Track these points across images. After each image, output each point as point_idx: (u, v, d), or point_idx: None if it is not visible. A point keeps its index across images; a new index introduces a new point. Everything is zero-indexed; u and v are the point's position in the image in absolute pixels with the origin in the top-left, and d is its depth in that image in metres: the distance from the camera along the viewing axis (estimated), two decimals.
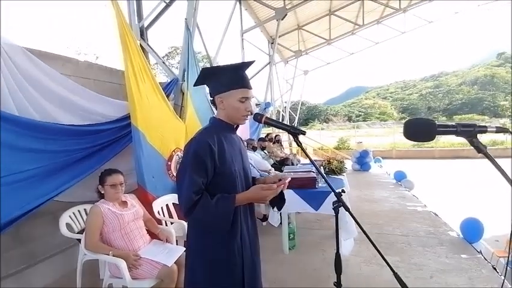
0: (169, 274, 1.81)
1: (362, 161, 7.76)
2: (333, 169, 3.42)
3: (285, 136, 12.46)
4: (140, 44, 3.78)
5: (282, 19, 7.65)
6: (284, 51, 12.15)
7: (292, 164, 4.92)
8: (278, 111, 12.76)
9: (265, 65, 8.74)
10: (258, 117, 1.21)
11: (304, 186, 2.78)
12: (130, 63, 2.48)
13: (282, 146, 6.56)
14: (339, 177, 3.33)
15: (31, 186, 2.01)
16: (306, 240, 3.19)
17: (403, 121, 0.77)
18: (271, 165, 4.73)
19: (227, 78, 1.16)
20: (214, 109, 1.27)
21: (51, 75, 2.22)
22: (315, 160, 5.10)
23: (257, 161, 4.24)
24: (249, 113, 1.20)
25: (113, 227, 1.90)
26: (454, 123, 0.73)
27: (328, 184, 1.16)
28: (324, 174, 1.27)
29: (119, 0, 2.49)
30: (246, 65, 1.22)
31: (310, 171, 3.12)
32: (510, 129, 0.71)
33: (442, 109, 43.95)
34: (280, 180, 1.19)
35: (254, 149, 4.55)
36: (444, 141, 14.81)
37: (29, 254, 2.38)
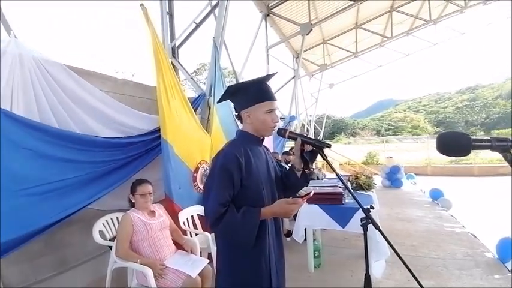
0: (194, 285, 1.83)
1: (393, 177, 7.37)
2: (360, 185, 3.29)
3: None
4: (172, 62, 4.02)
5: (307, 34, 7.73)
6: (309, 65, 12.20)
7: (318, 179, 4.82)
8: (303, 125, 12.68)
9: (290, 79, 8.81)
10: (281, 132, 1.22)
11: (330, 201, 2.70)
12: (162, 80, 2.64)
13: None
14: (367, 193, 3.19)
15: (67, 195, 2.13)
16: (332, 259, 3.05)
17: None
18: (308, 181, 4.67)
19: (253, 93, 1.19)
20: (239, 123, 1.30)
21: (91, 92, 2.41)
22: (342, 175, 4.94)
23: None
24: (276, 124, 1.22)
25: (141, 235, 1.97)
26: (489, 137, 0.69)
27: (356, 199, 1.12)
28: (351, 189, 1.23)
29: (153, 22, 2.70)
30: (269, 77, 1.25)
31: (337, 186, 3.03)
32: None
33: (480, 123, 40.94)
34: (305, 195, 1.18)
35: (278, 162, 4.53)
36: (483, 157, 13.68)
37: (60, 261, 2.49)
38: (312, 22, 8.04)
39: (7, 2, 2.25)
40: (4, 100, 1.69)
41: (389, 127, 46.92)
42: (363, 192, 3.20)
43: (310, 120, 12.96)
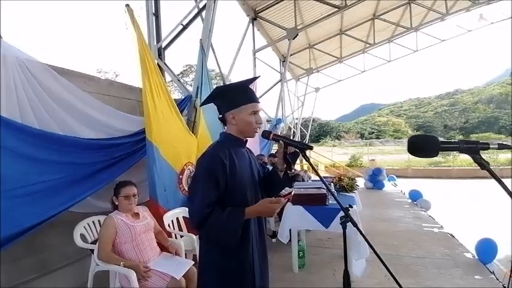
0: (178, 286, 1.82)
1: (375, 179, 7.60)
2: (344, 186, 3.38)
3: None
4: (158, 63, 3.99)
5: (293, 39, 7.86)
6: (295, 69, 12.39)
7: (303, 180, 4.89)
8: (290, 128, 12.82)
9: (276, 83, 8.91)
10: (266, 134, 1.25)
11: (314, 202, 2.76)
12: (148, 81, 2.62)
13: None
14: (350, 194, 3.29)
15: (48, 196, 2.08)
16: (316, 259, 3.11)
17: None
18: (291, 181, 4.73)
19: (237, 95, 1.22)
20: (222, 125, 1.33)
21: (73, 92, 2.36)
22: (326, 177, 5.05)
23: None
24: (260, 125, 1.26)
25: (125, 238, 1.94)
26: (457, 140, 0.75)
27: (335, 198, 1.18)
28: (332, 189, 1.29)
29: (139, 23, 2.68)
30: (252, 80, 1.29)
31: (321, 187, 3.10)
32: None
33: (459, 127, 42.86)
34: (286, 194, 1.22)
35: (264, 164, 4.57)
36: (462, 159, 14.35)
37: (41, 264, 2.42)
38: (298, 27, 8.18)
39: None
40: None
41: (373, 130, 48.24)
42: (346, 194, 3.29)
43: (296, 123, 13.13)
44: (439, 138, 0.77)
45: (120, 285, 1.92)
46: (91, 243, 2.26)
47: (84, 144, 2.39)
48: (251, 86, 1.31)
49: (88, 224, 2.39)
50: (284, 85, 9.92)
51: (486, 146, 0.73)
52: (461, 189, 9.88)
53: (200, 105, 2.99)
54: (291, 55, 10.55)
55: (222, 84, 5.43)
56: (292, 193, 1.27)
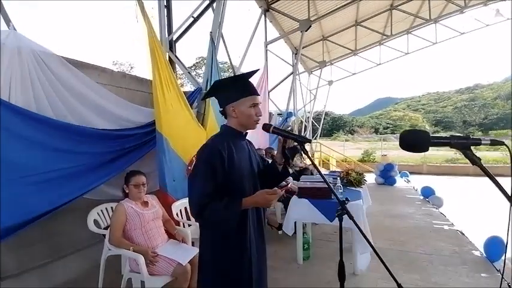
0: (184, 273, 1.90)
1: (386, 175, 7.47)
2: (351, 181, 3.36)
3: (307, 146, 12.38)
4: (169, 56, 4.05)
5: (306, 31, 7.73)
6: (308, 62, 12.20)
7: (312, 174, 4.90)
8: (301, 122, 12.73)
9: (288, 75, 8.83)
10: (266, 127, 1.28)
11: (319, 196, 2.77)
12: (158, 74, 2.68)
13: (302, 156, 6.53)
14: (357, 189, 3.27)
15: (64, 183, 2.19)
16: (321, 252, 3.14)
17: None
18: (291, 175, 4.75)
19: (238, 88, 1.25)
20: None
21: (88, 84, 2.45)
22: (335, 171, 5.03)
23: None
24: (260, 117, 1.28)
25: (134, 224, 2.04)
26: (448, 136, 0.75)
27: (332, 190, 1.19)
28: (327, 179, 1.30)
29: (151, 15, 2.74)
30: (252, 73, 1.31)
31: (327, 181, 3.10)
32: (506, 142, 0.71)
33: (478, 123, 41.10)
34: (284, 186, 1.25)
35: (273, 157, 4.60)
36: (479, 157, 13.80)
37: (57, 248, 2.56)
38: (312, 18, 8.03)
39: None
40: (2, 91, 1.73)
41: (388, 125, 47.06)
42: (353, 188, 3.27)
43: (308, 117, 13.01)
44: (429, 133, 0.77)
45: (129, 269, 2.02)
46: (104, 229, 2.39)
47: (97, 135, 2.49)
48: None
49: (101, 210, 2.51)
50: (296, 78, 9.83)
51: (478, 142, 0.72)
52: (477, 186, 9.55)
53: (202, 99, 3.03)
54: (304, 47, 10.41)
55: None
56: (289, 185, 1.29)
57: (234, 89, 1.25)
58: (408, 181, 8.08)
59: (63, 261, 2.59)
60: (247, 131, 1.35)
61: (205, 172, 1.15)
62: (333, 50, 11.95)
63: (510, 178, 0.74)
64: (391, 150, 16.44)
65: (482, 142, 0.72)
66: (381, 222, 4.26)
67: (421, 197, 6.04)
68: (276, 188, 1.26)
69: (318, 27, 9.94)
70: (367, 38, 11.37)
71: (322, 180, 3.32)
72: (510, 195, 0.72)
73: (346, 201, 1.26)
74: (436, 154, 15.53)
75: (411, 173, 11.15)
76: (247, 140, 1.42)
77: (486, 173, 0.72)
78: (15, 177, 1.87)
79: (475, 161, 0.72)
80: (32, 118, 1.98)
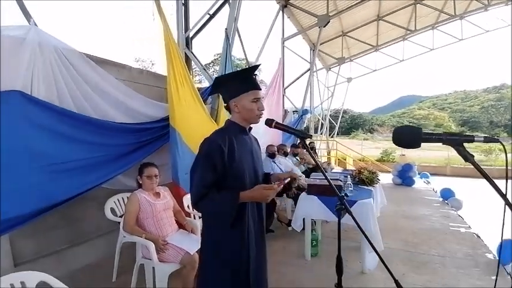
0: (191, 261, 1.98)
1: (404, 175, 7.23)
2: (363, 179, 3.31)
3: (323, 144, 12.23)
4: (185, 53, 4.16)
5: (324, 26, 7.61)
6: (326, 58, 12.00)
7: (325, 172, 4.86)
8: (318, 119, 12.57)
9: (305, 72, 8.73)
10: (269, 122, 1.30)
11: (328, 193, 2.76)
12: (172, 70, 2.78)
13: (316, 153, 6.49)
14: (369, 188, 3.22)
15: (84, 173, 2.32)
16: (329, 249, 3.14)
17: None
18: (303, 172, 4.74)
19: (239, 83, 1.28)
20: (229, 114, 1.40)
21: (107, 79, 2.58)
22: (347, 170, 4.95)
23: (287, 166, 4.30)
24: (262, 112, 1.31)
25: (146, 213, 2.14)
26: (440, 132, 0.75)
27: (329, 182, 1.20)
28: (324, 171, 1.31)
29: (171, 13, 2.82)
30: (253, 68, 1.33)
31: (338, 179, 3.08)
32: (500, 139, 0.70)
33: (504, 124, 38.61)
34: (280, 181, 1.28)
35: (285, 154, 4.61)
36: (504, 159, 13.00)
37: (77, 234, 2.72)
38: (330, 14, 7.88)
39: None
40: (24, 85, 1.87)
41: (411, 124, 45.19)
42: (364, 187, 3.22)
43: (325, 115, 12.81)
44: (421, 128, 0.77)
45: (142, 255, 2.14)
46: (119, 217, 2.52)
47: (116, 128, 2.62)
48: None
49: (117, 199, 2.66)
50: (313, 75, 9.71)
51: (470, 139, 0.72)
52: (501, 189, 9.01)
53: (209, 95, 3.08)
54: (322, 43, 10.25)
55: None
56: (286, 181, 1.32)
57: (235, 84, 1.29)
58: (428, 182, 7.78)
59: (84, 246, 2.76)
60: (251, 126, 1.39)
61: (204, 164, 1.20)
62: (352, 45, 11.66)
63: (505, 177, 0.73)
64: (413, 151, 15.85)
65: (475, 139, 0.71)
66: (395, 223, 4.17)
67: (440, 199, 5.82)
68: (273, 184, 1.29)
69: (338, 23, 9.73)
70: (390, 33, 10.99)
71: (331, 178, 3.29)
72: (505, 193, 0.71)
73: (345, 197, 1.25)
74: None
75: (434, 174, 10.72)
76: (253, 136, 1.45)
77: (479, 170, 0.71)
78: (39, 166, 2.01)
79: (468, 157, 0.71)
80: (55, 111, 2.11)
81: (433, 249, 3.21)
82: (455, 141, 0.72)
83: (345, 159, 11.18)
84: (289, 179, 1.35)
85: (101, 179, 2.45)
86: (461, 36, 10.90)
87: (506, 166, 0.68)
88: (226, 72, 3.71)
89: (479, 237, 3.57)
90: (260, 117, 1.32)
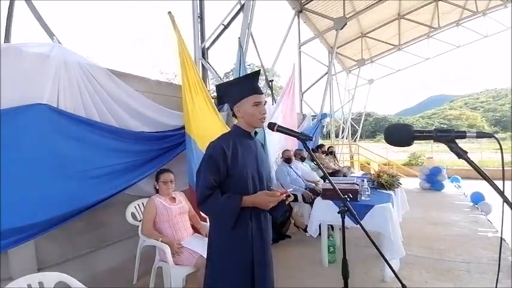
0: (205, 265, 2.02)
1: (433, 179, 6.83)
2: (382, 183, 3.20)
3: (345, 149, 11.92)
4: (202, 63, 4.31)
5: (341, 29, 7.53)
6: (346, 61, 11.80)
7: (345, 176, 4.74)
8: (339, 123, 12.32)
9: (322, 76, 8.64)
10: (271, 126, 1.33)
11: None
12: (187, 79, 2.89)
13: (335, 158, 6.35)
14: (388, 192, 3.09)
15: (109, 179, 2.45)
16: (349, 257, 3.03)
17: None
18: (322, 177, 4.66)
19: (239, 89, 1.33)
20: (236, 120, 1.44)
21: (128, 92, 2.73)
22: (366, 174, 4.79)
23: (304, 171, 4.26)
24: (264, 115, 1.34)
25: (163, 217, 2.23)
26: (431, 129, 0.73)
27: (331, 183, 1.19)
28: (327, 173, 1.30)
29: (185, 25, 2.94)
30: (254, 74, 1.38)
31: (355, 183, 3.01)
32: (494, 135, 0.67)
33: None
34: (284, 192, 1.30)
35: (302, 159, 4.58)
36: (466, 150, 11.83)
37: (100, 238, 2.84)
38: (347, 16, 7.79)
39: (48, 8, 2.65)
40: (51, 98, 2.04)
41: (442, 126, 42.84)
42: (383, 191, 3.11)
43: (346, 118, 12.52)
44: (413, 127, 0.76)
45: (159, 258, 2.22)
46: (139, 221, 2.64)
47: (136, 136, 2.75)
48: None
49: (138, 204, 2.79)
50: (332, 78, 9.58)
51: (462, 135, 0.70)
52: None
53: (217, 105, 3.16)
54: (341, 46, 10.13)
55: (264, 79, 5.56)
56: (289, 190, 1.33)
57: (236, 90, 1.34)
58: (459, 186, 7.29)
59: (107, 250, 2.89)
60: (256, 130, 1.42)
61: (208, 167, 1.25)
62: (373, 46, 11.39)
63: (502, 173, 0.69)
64: (444, 153, 14.95)
65: (467, 135, 0.69)
66: (421, 229, 3.96)
67: (471, 204, 5.45)
68: (276, 191, 1.30)
69: (356, 24, 9.58)
70: (413, 31, 10.62)
71: (348, 181, 3.22)
72: (503, 190, 0.68)
73: (348, 199, 1.24)
74: (494, 157, 13.73)
75: (465, 178, 10.01)
76: (259, 141, 1.49)
77: (473, 166, 0.68)
78: (68, 173, 2.16)
79: (461, 154, 0.69)
80: (81, 121, 2.27)
81: (459, 255, 3.05)
82: (447, 137, 0.70)
83: (369, 164, 10.80)
84: (291, 189, 1.37)
85: (124, 185, 2.56)
86: (486, 33, 10.33)
87: (503, 162, 0.65)
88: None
89: (505, 241, 3.32)
90: (263, 121, 1.35)
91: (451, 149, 0.70)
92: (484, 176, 0.67)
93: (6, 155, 1.79)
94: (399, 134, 0.77)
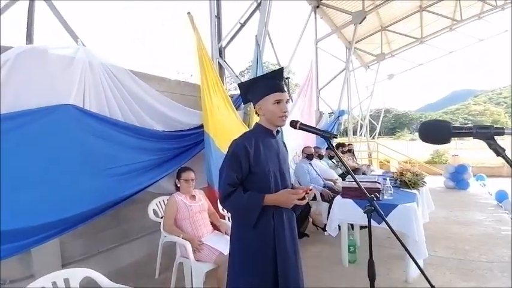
0: (225, 261, 2.02)
1: (458, 178, 6.53)
2: (405, 182, 3.09)
3: (364, 146, 11.63)
4: (219, 62, 4.34)
5: (360, 23, 7.33)
6: (364, 56, 11.48)
7: (364, 174, 4.64)
8: (357, 120, 12.04)
9: (340, 72, 8.46)
10: (293, 124, 1.31)
11: (363, 196, 2.63)
12: (205, 79, 2.93)
13: (354, 156, 6.21)
14: (413, 191, 2.99)
15: (133, 176, 2.50)
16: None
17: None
18: (340, 175, 4.58)
19: (261, 87, 1.33)
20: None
21: (149, 92, 2.80)
22: (388, 172, 4.65)
23: (322, 169, 4.20)
24: (285, 113, 1.33)
25: (183, 215, 2.28)
26: (471, 125, 0.69)
27: (356, 182, 1.17)
28: (352, 173, 1.27)
29: (203, 22, 2.95)
30: (276, 72, 1.37)
31: (376, 182, 2.93)
32: None
33: None
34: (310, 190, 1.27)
35: (320, 157, 4.51)
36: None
37: (123, 234, 2.95)
38: (367, 9, 7.57)
39: (72, 11, 2.71)
40: (77, 99, 2.11)
41: (466, 122, 40.91)
42: (408, 190, 3.01)
43: (364, 115, 12.21)
44: (451, 123, 0.72)
45: (180, 254, 2.27)
46: (160, 218, 2.71)
47: (158, 135, 2.82)
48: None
49: (159, 202, 2.86)
50: (350, 74, 9.36)
51: (501, 132, 0.66)
52: None
53: (241, 103, 3.15)
54: (359, 41, 9.86)
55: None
56: (310, 187, 1.31)
57: (258, 88, 1.33)
58: (484, 185, 6.92)
59: (130, 245, 3.00)
60: (278, 129, 1.41)
61: (231, 164, 1.26)
62: (394, 40, 11.01)
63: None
64: (468, 151, 14.26)
65: (505, 132, 0.65)
66: (445, 229, 3.80)
67: (495, 202, 5.19)
68: (300, 189, 1.29)
69: (376, 17, 9.29)
70: (435, 24, 10.17)
71: (369, 180, 3.14)
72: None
73: (374, 198, 1.20)
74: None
75: (490, 176, 9.50)
76: (281, 140, 1.48)
77: (510, 163, 0.64)
78: (94, 171, 2.24)
79: (498, 151, 0.65)
80: (107, 121, 2.34)
81: (483, 255, 2.95)
82: (486, 134, 0.67)
83: (388, 162, 10.48)
84: (314, 189, 1.35)
85: (147, 182, 2.62)
86: (507, 27, 9.75)
87: None
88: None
89: None
90: (284, 119, 1.34)
91: (490, 146, 0.67)
92: None
93: (35, 153, 1.87)
94: (436, 131, 0.74)
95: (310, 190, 1.28)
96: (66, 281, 1.38)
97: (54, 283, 1.33)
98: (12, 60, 1.79)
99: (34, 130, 1.88)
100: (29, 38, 2.57)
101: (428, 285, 1.18)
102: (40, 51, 1.96)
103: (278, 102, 1.30)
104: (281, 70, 1.39)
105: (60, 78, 2.03)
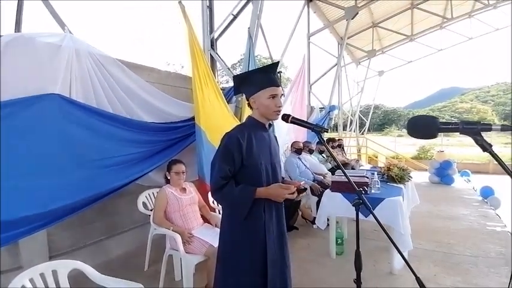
0: (214, 253, 2.03)
1: (443, 173, 6.73)
2: (392, 176, 3.17)
3: (353, 142, 11.81)
4: (210, 53, 4.28)
5: (352, 18, 7.35)
6: (356, 52, 11.55)
7: (353, 169, 4.72)
8: (347, 116, 12.17)
9: (332, 67, 8.50)
10: (285, 117, 1.32)
11: (352, 190, 2.68)
12: (197, 71, 2.88)
13: (343, 150, 6.30)
14: (399, 186, 3.07)
15: (121, 169, 2.46)
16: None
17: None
18: (330, 170, 4.65)
19: (256, 81, 1.32)
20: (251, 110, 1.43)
21: (138, 82, 2.74)
22: (376, 167, 4.75)
23: (312, 164, 4.25)
24: (280, 108, 1.33)
25: (173, 207, 2.27)
26: (457, 121, 0.71)
27: (346, 176, 1.19)
28: (342, 167, 1.30)
29: (195, 14, 2.91)
30: (271, 66, 1.36)
31: (365, 176, 2.98)
32: None
33: None
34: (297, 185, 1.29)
35: (311, 151, 4.56)
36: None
37: (111, 226, 2.92)
38: (359, 5, 7.60)
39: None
40: (63, 88, 2.05)
41: (452, 119, 42.00)
42: (394, 185, 3.08)
43: (354, 111, 12.36)
44: (438, 119, 0.74)
45: (170, 246, 2.26)
46: (150, 210, 2.69)
47: (148, 127, 2.77)
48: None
49: (148, 194, 2.83)
50: (341, 70, 9.41)
51: (488, 128, 0.68)
52: None
53: (233, 95, 3.13)
54: (351, 36, 9.90)
55: None
56: (302, 183, 1.32)
57: (253, 82, 1.32)
58: (468, 181, 7.17)
59: (118, 237, 2.98)
60: (270, 122, 1.42)
61: (223, 157, 1.26)
62: (384, 37, 11.12)
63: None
64: (454, 147, 14.68)
65: (492, 128, 0.67)
66: (430, 223, 3.93)
67: (480, 198, 5.39)
68: (291, 183, 1.30)
69: (367, 14, 9.34)
70: (426, 21, 10.30)
71: (358, 174, 3.19)
72: None
73: (363, 192, 1.23)
74: (503, 151, 13.43)
75: (476, 172, 9.87)
76: (273, 133, 1.48)
77: (498, 160, 0.67)
78: (80, 162, 2.19)
79: (486, 147, 0.68)
80: (94, 112, 2.27)
81: (468, 249, 3.05)
82: (473, 130, 0.69)
83: (376, 157, 10.70)
84: (304, 182, 1.36)
85: (136, 175, 2.59)
86: (497, 26, 10.02)
87: None
88: (250, 69, 3.77)
89: None
90: (278, 113, 1.34)
91: (477, 142, 0.69)
92: (507, 170, 0.65)
93: (20, 144, 1.81)
94: (424, 126, 0.76)
95: (305, 189, 1.30)
96: (55, 272, 1.36)
97: (42, 274, 1.31)
98: (2, 49, 1.73)
99: (19, 120, 1.82)
100: (18, 27, 2.51)
101: (413, 276, 1.23)
102: (26, 39, 1.89)
103: (273, 96, 1.30)
104: (277, 64, 1.38)
105: (47, 66, 1.97)
